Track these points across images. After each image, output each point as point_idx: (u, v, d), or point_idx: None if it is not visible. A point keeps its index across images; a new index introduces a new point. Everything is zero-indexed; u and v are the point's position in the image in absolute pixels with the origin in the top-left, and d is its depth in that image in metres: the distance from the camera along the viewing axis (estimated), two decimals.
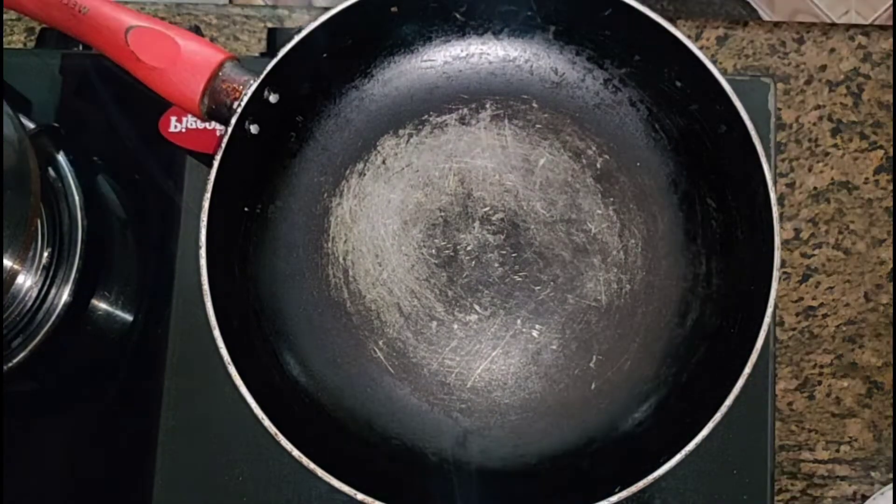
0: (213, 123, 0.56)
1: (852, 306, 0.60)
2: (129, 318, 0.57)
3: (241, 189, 0.52)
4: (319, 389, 0.52)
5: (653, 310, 0.53)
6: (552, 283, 0.54)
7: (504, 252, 0.54)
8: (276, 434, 0.46)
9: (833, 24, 0.63)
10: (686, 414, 0.50)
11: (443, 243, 0.54)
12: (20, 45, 0.65)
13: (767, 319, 0.47)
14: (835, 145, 0.61)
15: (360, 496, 0.45)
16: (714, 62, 0.51)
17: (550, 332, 0.53)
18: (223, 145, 0.49)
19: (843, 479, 0.58)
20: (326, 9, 0.51)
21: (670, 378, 0.52)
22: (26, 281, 0.54)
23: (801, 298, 0.60)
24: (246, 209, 0.53)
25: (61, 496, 0.55)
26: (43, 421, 0.56)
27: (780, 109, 0.62)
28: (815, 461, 0.58)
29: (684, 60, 0.51)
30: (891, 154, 0.61)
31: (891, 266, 0.60)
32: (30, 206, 0.47)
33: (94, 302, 0.57)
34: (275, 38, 0.61)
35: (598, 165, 0.55)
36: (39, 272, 0.54)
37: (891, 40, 0.63)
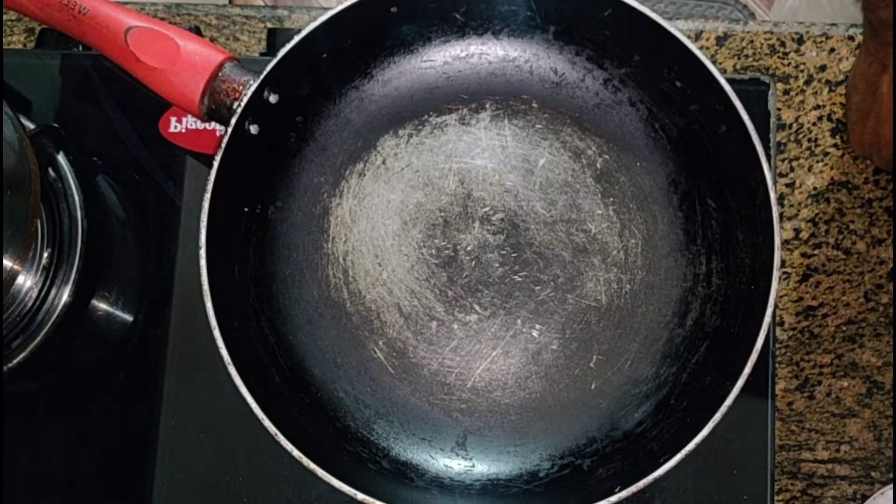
0: (213, 123, 0.56)
1: (852, 306, 0.60)
2: (129, 318, 0.57)
3: (241, 189, 0.52)
4: (319, 389, 0.53)
5: (653, 310, 0.53)
6: (552, 283, 0.54)
7: (504, 252, 0.54)
8: (276, 434, 0.46)
9: (833, 24, 0.63)
10: (686, 414, 0.50)
11: (443, 243, 0.54)
12: (20, 46, 0.65)
13: (767, 319, 0.47)
14: (835, 145, 0.61)
15: (360, 496, 0.45)
16: (714, 62, 0.51)
17: (550, 332, 0.53)
18: (223, 145, 0.49)
19: (843, 478, 0.58)
20: (326, 9, 0.51)
21: (670, 378, 0.52)
22: (26, 281, 0.54)
23: (801, 298, 0.60)
24: (246, 209, 0.53)
25: (61, 496, 0.55)
26: (43, 421, 0.56)
27: (780, 109, 0.61)
28: (815, 461, 0.58)
29: (684, 60, 0.51)
30: None
31: (891, 266, 0.60)
32: (30, 207, 0.47)
33: (94, 302, 0.57)
34: (275, 38, 0.61)
35: (598, 165, 0.55)
36: (39, 272, 0.54)
37: None
